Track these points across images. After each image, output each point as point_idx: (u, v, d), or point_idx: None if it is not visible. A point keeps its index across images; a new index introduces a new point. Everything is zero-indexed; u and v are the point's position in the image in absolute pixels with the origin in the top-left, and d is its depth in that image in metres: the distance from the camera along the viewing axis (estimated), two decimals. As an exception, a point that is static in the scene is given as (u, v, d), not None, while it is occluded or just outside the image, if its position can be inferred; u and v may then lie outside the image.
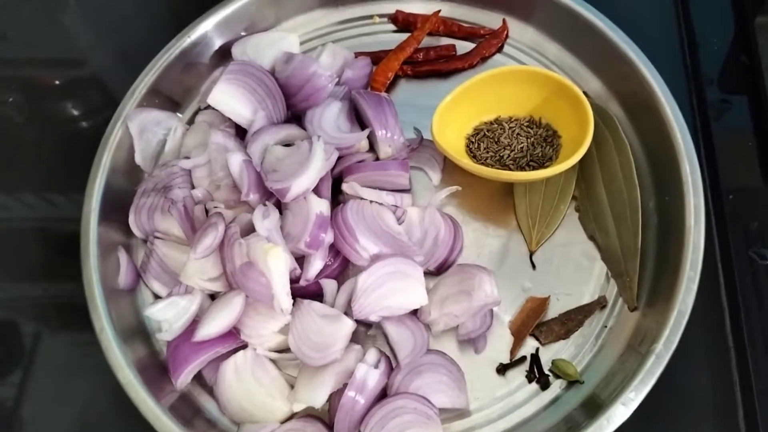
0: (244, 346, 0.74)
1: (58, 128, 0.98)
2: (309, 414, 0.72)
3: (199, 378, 0.75)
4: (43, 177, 0.93)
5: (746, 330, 0.73)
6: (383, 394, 0.71)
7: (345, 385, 0.69)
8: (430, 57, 0.91)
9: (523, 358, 0.73)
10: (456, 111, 0.81)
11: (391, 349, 0.73)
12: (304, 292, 0.75)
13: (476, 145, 0.82)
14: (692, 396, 0.72)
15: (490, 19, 0.91)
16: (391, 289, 0.72)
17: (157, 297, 0.80)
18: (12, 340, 0.83)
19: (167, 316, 0.74)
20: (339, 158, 0.79)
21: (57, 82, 1.01)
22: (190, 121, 0.90)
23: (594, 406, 0.67)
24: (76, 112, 0.98)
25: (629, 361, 0.69)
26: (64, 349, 0.82)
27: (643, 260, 0.74)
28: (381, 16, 0.95)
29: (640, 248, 0.74)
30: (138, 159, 0.85)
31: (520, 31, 0.90)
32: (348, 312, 0.73)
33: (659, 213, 0.76)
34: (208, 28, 0.89)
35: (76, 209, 0.80)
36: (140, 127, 0.85)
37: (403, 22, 0.93)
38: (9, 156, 0.96)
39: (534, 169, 0.78)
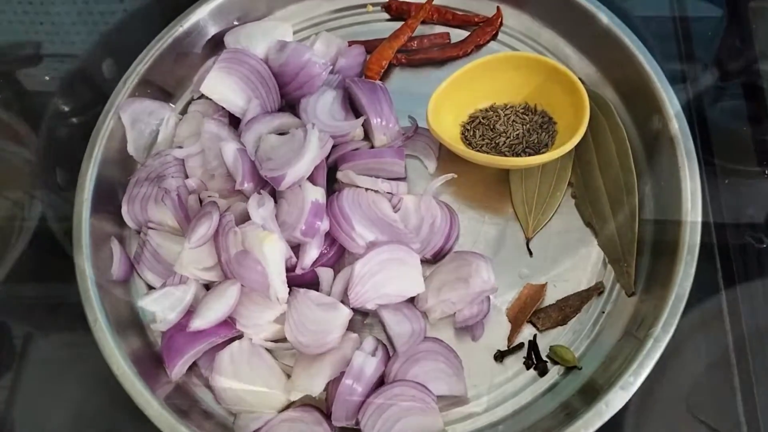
0: (240, 336, 0.73)
1: (48, 125, 0.96)
2: (306, 403, 0.71)
3: (194, 369, 0.74)
4: (34, 175, 0.92)
5: (743, 314, 0.73)
6: (380, 383, 0.70)
7: (342, 374, 0.69)
8: (424, 45, 0.90)
9: (521, 344, 0.73)
10: (451, 98, 0.81)
11: (388, 337, 0.73)
12: (299, 280, 0.74)
13: (472, 132, 0.81)
14: (690, 379, 0.71)
15: (484, 7, 0.91)
16: (387, 276, 0.72)
17: (150, 288, 0.79)
18: (2, 341, 0.82)
19: (161, 306, 0.73)
20: (333, 147, 0.79)
21: (47, 78, 1.01)
22: (183, 111, 0.89)
23: (592, 392, 0.67)
24: (66, 108, 0.98)
25: (627, 346, 0.69)
26: (55, 350, 0.81)
27: (639, 245, 0.74)
28: (374, 4, 0.94)
29: (636, 233, 0.73)
30: (130, 149, 0.84)
31: (514, 19, 0.90)
32: (344, 300, 0.72)
33: (656, 198, 0.76)
34: (200, 18, 0.88)
35: (67, 208, 0.79)
36: (132, 118, 0.85)
37: (396, 10, 0.92)
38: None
39: (530, 155, 0.78)
